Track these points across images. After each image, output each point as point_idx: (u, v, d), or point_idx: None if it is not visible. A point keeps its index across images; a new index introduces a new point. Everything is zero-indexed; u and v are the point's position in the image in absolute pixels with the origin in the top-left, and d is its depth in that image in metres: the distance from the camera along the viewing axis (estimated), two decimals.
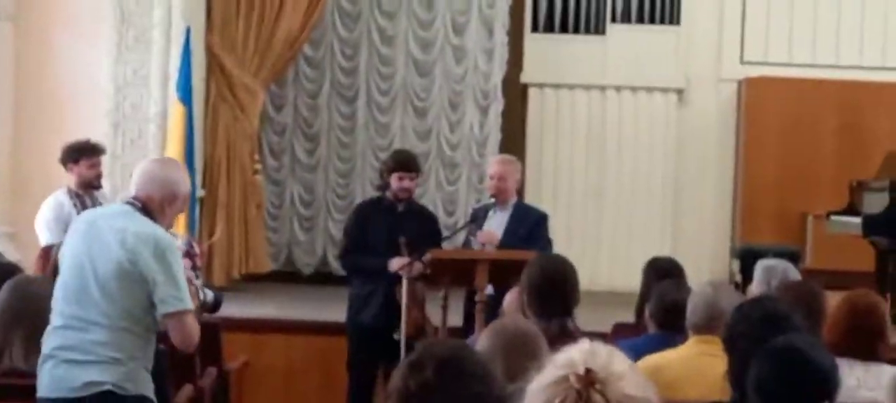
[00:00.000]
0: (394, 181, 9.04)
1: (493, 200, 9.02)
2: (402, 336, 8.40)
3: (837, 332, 5.47)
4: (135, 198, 5.57)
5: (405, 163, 9.21)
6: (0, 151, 12.03)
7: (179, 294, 5.43)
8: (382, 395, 8.78)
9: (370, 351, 9.03)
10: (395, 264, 8.65)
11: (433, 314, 8.69)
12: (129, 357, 5.39)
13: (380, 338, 8.78)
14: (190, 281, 5.98)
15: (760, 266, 7.43)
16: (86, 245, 5.48)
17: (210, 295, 8.40)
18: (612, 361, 2.67)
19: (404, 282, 8.47)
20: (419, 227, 8.97)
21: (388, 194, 9.10)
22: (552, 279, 5.86)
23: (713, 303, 5.61)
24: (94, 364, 5.36)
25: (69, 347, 5.39)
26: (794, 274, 7.27)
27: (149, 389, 5.51)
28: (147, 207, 5.52)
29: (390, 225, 8.92)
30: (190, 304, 5.52)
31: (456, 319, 8.88)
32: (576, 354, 2.68)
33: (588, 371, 2.61)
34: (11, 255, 8.61)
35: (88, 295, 5.40)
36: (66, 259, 5.60)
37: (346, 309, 9.28)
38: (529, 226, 8.90)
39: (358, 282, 9.15)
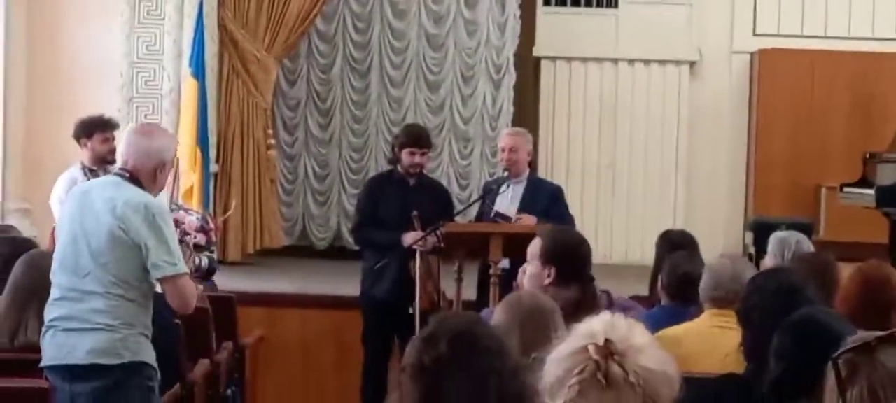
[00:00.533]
0: (405, 156, 9.03)
1: (505, 174, 9.02)
2: (416, 309, 8.41)
3: (850, 304, 5.46)
4: (123, 168, 5.62)
5: (416, 138, 9.20)
6: (14, 129, 12.06)
7: (172, 258, 5.49)
8: (398, 368, 8.80)
9: (384, 325, 9.05)
10: (409, 238, 8.66)
11: (447, 287, 8.70)
12: (125, 324, 5.46)
13: (394, 312, 8.80)
14: (184, 244, 6.03)
15: (774, 238, 7.42)
16: (79, 216, 5.56)
17: (205, 260, 8.44)
18: (633, 333, 2.68)
19: (418, 256, 8.48)
20: (431, 201, 8.97)
21: (400, 169, 9.11)
22: (570, 246, 5.85)
23: (729, 276, 5.62)
24: (92, 332, 5.43)
25: (68, 317, 5.47)
26: (808, 246, 7.27)
27: (149, 356, 5.56)
28: (136, 177, 5.56)
29: (402, 199, 8.93)
30: (184, 267, 5.58)
31: (470, 292, 8.89)
32: (596, 325, 2.69)
33: (607, 341, 2.63)
34: (27, 231, 8.63)
35: (83, 265, 5.48)
36: (61, 231, 5.67)
37: (360, 283, 9.30)
38: (546, 200, 8.89)
39: (371, 256, 9.15)
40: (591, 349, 2.63)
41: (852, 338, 3.15)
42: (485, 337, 3.47)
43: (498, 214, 8.76)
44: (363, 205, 9.30)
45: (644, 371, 2.62)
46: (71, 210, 5.66)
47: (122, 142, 5.75)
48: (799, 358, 3.87)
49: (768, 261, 7.24)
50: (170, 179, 6.01)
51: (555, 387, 2.68)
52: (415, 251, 8.53)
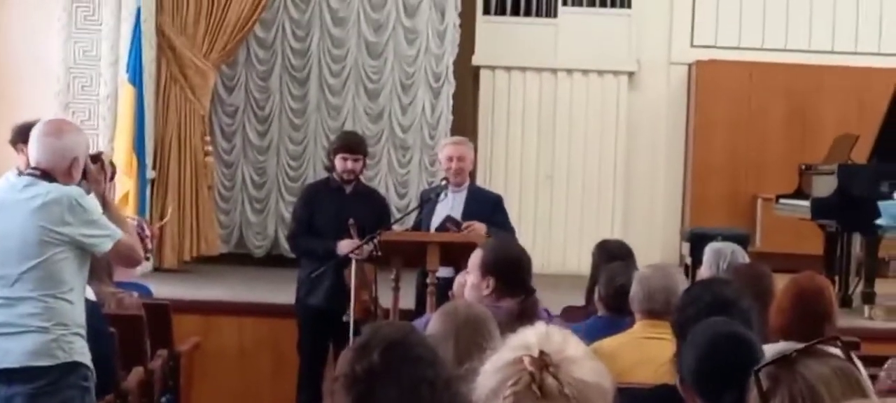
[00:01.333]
0: (338, 162, 9.02)
1: (444, 183, 9.00)
2: (350, 318, 8.39)
3: (784, 315, 5.48)
4: (35, 167, 5.57)
5: (349, 144, 9.18)
6: None
7: (103, 230, 5.53)
8: (332, 377, 8.78)
9: (320, 333, 9.03)
10: (344, 247, 8.64)
11: (384, 296, 8.68)
12: (58, 325, 5.44)
13: (329, 320, 8.78)
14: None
15: (709, 249, 7.47)
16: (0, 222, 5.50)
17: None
18: (567, 345, 2.68)
19: (353, 264, 8.46)
20: (368, 209, 8.95)
21: (335, 176, 9.09)
22: (512, 259, 5.85)
23: (660, 287, 5.64)
24: (25, 334, 5.41)
25: (0, 324, 5.41)
26: (743, 257, 7.32)
27: (84, 355, 5.54)
28: (49, 175, 5.52)
29: (338, 206, 8.91)
30: (115, 231, 5.56)
31: (408, 301, 8.88)
32: (531, 336, 2.69)
33: (542, 353, 2.63)
34: None
35: (9, 272, 5.45)
36: None
37: (296, 291, 9.28)
38: (488, 209, 8.88)
39: (307, 264, 9.12)
40: (526, 360, 2.63)
41: (773, 351, 3.17)
42: (418, 347, 3.46)
43: (449, 218, 8.73)
44: (299, 213, 9.28)
45: (579, 382, 2.62)
46: None
47: (32, 142, 5.66)
48: (699, 371, 3.89)
49: (704, 272, 7.28)
50: (106, 184, 5.95)
51: (489, 398, 2.67)
52: (350, 259, 8.51)
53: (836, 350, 3.09)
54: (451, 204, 8.88)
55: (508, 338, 2.74)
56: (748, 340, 3.98)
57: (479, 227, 8.50)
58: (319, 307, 8.95)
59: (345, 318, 8.44)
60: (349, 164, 9.00)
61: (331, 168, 9.18)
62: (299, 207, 9.35)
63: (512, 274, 5.74)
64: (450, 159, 8.99)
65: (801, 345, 3.06)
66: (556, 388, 2.60)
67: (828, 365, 3.03)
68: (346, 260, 8.57)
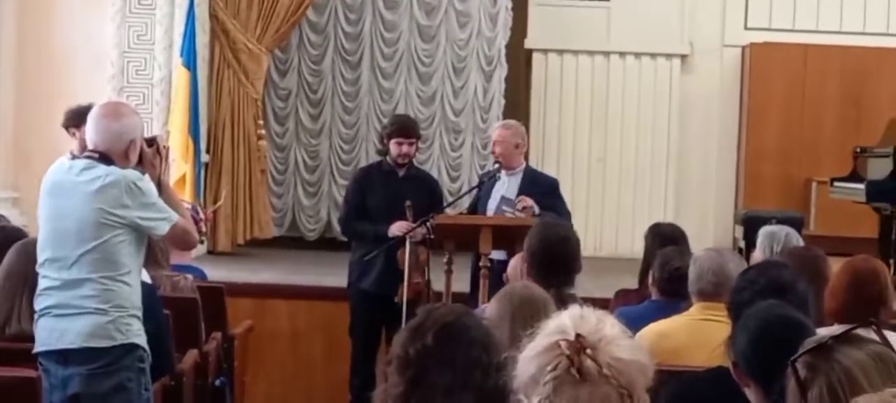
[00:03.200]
0: (393, 146, 9.02)
1: (496, 166, 9.01)
2: (404, 300, 8.41)
3: (838, 298, 5.45)
4: (93, 150, 5.60)
5: (404, 128, 9.18)
6: (4, 118, 12.04)
7: (160, 213, 5.54)
8: (384, 360, 8.79)
9: (372, 316, 9.04)
10: (396, 228, 8.66)
11: (437, 279, 8.69)
12: (115, 307, 5.46)
13: (381, 303, 8.81)
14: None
15: (763, 232, 7.41)
16: (57, 205, 5.55)
17: None
18: (603, 325, 2.68)
19: (407, 246, 8.47)
20: (420, 192, 8.95)
21: (388, 159, 9.09)
22: (553, 247, 5.85)
23: (717, 269, 5.61)
24: (83, 316, 5.43)
25: (58, 305, 5.47)
26: (797, 240, 7.27)
27: (140, 337, 5.57)
28: (106, 157, 5.54)
29: (391, 190, 8.92)
30: (172, 214, 5.58)
31: (462, 285, 8.88)
32: (566, 320, 2.69)
33: (578, 336, 2.63)
34: (17, 220, 8.61)
35: (67, 254, 5.47)
36: (41, 222, 5.66)
37: (347, 275, 9.30)
38: (542, 192, 8.87)
39: (359, 247, 9.14)
40: (563, 345, 2.63)
41: (810, 340, 3.16)
42: (471, 330, 3.46)
43: (503, 198, 8.75)
44: (351, 197, 9.29)
45: (617, 361, 2.62)
46: (49, 200, 5.64)
47: (89, 125, 5.67)
48: (751, 355, 3.87)
49: (757, 255, 7.23)
50: (161, 167, 5.98)
51: (529, 385, 2.68)
52: (403, 241, 8.52)
53: (875, 335, 3.07)
54: (506, 187, 8.89)
55: (544, 324, 2.74)
56: (801, 323, 3.96)
57: (528, 202, 8.50)
58: (371, 290, 8.97)
59: (397, 300, 8.46)
60: (404, 148, 9.01)
61: (384, 151, 9.18)
62: (351, 191, 9.36)
63: (547, 260, 5.74)
64: (494, 144, 9.06)
65: (837, 332, 3.06)
66: (595, 370, 2.61)
67: (865, 351, 3.01)
68: (398, 243, 8.58)
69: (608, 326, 2.68)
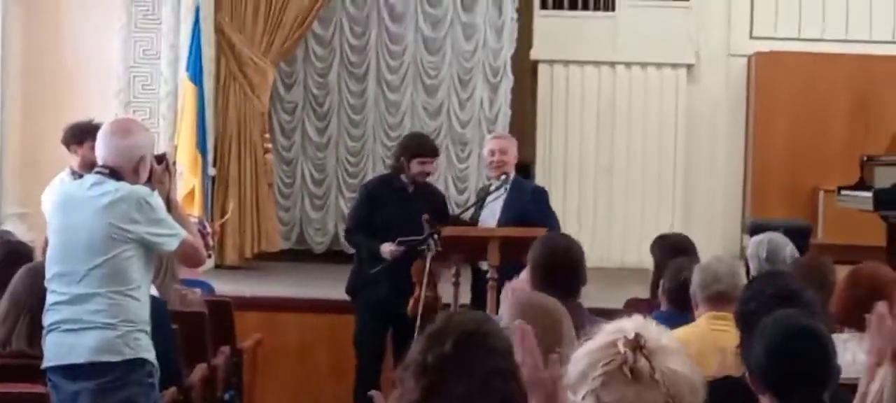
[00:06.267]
0: (415, 166, 8.99)
1: (491, 178, 9.07)
2: (419, 313, 8.42)
3: (845, 306, 5.45)
4: (104, 165, 5.61)
5: (428, 148, 9.20)
6: (11, 132, 12.05)
7: (169, 229, 5.58)
8: (389, 370, 8.79)
9: (379, 328, 9.05)
10: (386, 250, 8.70)
11: (445, 291, 8.69)
12: (124, 322, 5.48)
13: (388, 315, 8.82)
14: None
15: (752, 243, 7.41)
16: (67, 219, 5.58)
17: None
18: (664, 336, 2.68)
19: (428, 262, 8.48)
20: (430, 206, 8.95)
21: (404, 177, 9.07)
22: (557, 259, 5.84)
23: (725, 278, 5.61)
24: (92, 331, 5.45)
25: (67, 320, 5.49)
26: (786, 246, 7.22)
27: (149, 352, 5.58)
28: (116, 173, 5.56)
29: (401, 204, 8.91)
30: (181, 230, 5.61)
31: (464, 297, 8.89)
32: (627, 323, 2.69)
33: (638, 335, 2.62)
34: (24, 235, 8.59)
35: (77, 269, 5.48)
36: (50, 237, 5.68)
37: (351, 284, 9.30)
38: (528, 200, 8.91)
39: (367, 261, 9.14)
40: (621, 342, 2.62)
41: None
42: (492, 338, 3.44)
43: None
44: (357, 212, 9.30)
45: (671, 372, 2.61)
46: (58, 216, 5.67)
47: (99, 141, 5.70)
48: (768, 366, 3.85)
49: (751, 265, 7.21)
50: (170, 184, 5.99)
51: (578, 381, 2.66)
52: (418, 254, 8.54)
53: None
54: (495, 196, 8.92)
55: (604, 325, 2.74)
56: (821, 334, 3.94)
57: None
58: (379, 301, 8.96)
59: (408, 313, 8.47)
60: (427, 167, 9.04)
61: (399, 169, 9.14)
62: (358, 206, 9.37)
63: (551, 271, 5.73)
64: (492, 152, 9.07)
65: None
66: (647, 371, 2.59)
67: None
68: (413, 257, 8.60)
69: (668, 338, 2.68)
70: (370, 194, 9.33)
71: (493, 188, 9.03)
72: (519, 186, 9.15)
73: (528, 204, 8.85)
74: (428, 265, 8.46)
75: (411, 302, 8.52)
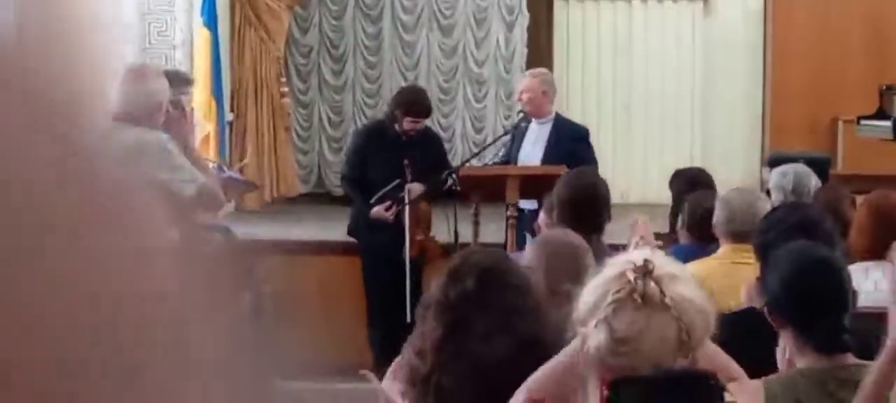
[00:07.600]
0: (406, 123, 9.01)
1: (521, 116, 9.03)
2: (407, 257, 8.55)
3: (864, 235, 5.44)
4: (119, 112, 5.59)
5: (422, 108, 9.26)
6: None
7: (187, 175, 5.60)
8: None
9: (382, 271, 9.14)
10: (375, 213, 8.78)
11: (465, 230, 8.70)
12: None
13: (390, 259, 8.92)
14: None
15: (775, 173, 7.38)
16: None
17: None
18: (672, 264, 2.69)
19: (407, 210, 8.57)
20: (425, 152, 8.96)
21: (397, 127, 9.07)
22: (581, 195, 5.84)
23: (747, 209, 5.60)
24: None
25: None
26: (808, 177, 7.20)
27: None
28: (133, 120, 5.54)
29: (395, 154, 8.89)
30: (199, 175, 5.66)
31: (489, 236, 8.89)
32: (636, 254, 2.69)
33: (646, 262, 2.62)
34: None
35: None
36: None
37: (353, 228, 9.41)
38: (570, 141, 8.87)
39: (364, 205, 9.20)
40: (630, 270, 2.62)
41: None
42: (510, 274, 3.45)
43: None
44: (351, 157, 9.39)
45: (680, 297, 2.61)
46: None
47: (115, 88, 5.69)
48: (785, 299, 3.83)
49: (774, 196, 7.19)
50: (187, 128, 5.99)
51: (590, 312, 2.67)
52: (404, 201, 8.61)
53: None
54: (536, 136, 8.89)
55: (612, 258, 2.75)
56: (836, 264, 3.93)
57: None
58: (378, 246, 9.03)
59: (402, 257, 8.58)
60: (417, 126, 9.07)
61: (393, 119, 9.13)
62: (352, 149, 9.47)
63: (576, 208, 5.72)
64: (521, 93, 9.08)
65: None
66: (657, 295, 2.60)
67: None
68: (403, 203, 8.69)
69: (676, 267, 2.69)
70: (362, 142, 9.39)
71: (514, 127, 9.03)
72: (563, 126, 9.12)
73: (573, 145, 8.81)
74: (407, 209, 8.53)
75: (409, 247, 8.63)
